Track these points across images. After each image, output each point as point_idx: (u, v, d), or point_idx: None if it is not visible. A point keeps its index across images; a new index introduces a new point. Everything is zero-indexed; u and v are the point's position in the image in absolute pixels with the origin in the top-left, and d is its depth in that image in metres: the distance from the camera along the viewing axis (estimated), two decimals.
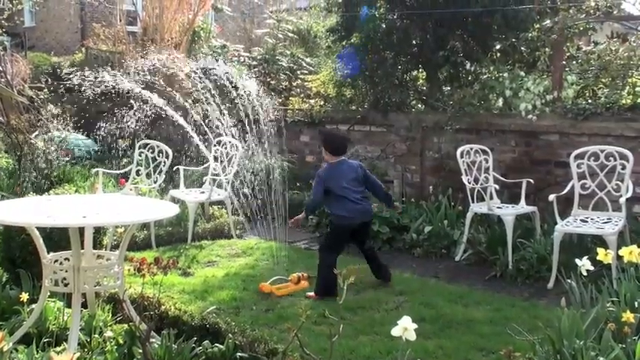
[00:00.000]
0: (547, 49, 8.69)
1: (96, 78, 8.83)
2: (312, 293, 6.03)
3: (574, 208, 6.88)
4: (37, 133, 8.88)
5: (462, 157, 7.60)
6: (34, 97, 9.31)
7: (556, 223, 6.50)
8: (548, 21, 8.55)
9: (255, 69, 12.43)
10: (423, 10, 8.98)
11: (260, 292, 6.08)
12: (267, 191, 9.56)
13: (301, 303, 5.73)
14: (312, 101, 10.75)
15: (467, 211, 7.42)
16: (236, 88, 8.55)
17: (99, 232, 5.74)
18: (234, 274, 6.72)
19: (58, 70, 10.72)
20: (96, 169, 8.56)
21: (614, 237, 6.04)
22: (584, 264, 4.07)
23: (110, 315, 4.78)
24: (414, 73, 10.06)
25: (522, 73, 8.45)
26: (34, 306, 4.56)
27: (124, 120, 9.17)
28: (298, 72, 11.99)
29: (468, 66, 9.06)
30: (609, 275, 5.04)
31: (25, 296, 4.50)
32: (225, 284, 6.37)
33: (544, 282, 6.40)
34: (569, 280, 4.49)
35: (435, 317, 5.48)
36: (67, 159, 9.59)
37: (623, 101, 7.84)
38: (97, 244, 5.56)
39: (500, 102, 8.41)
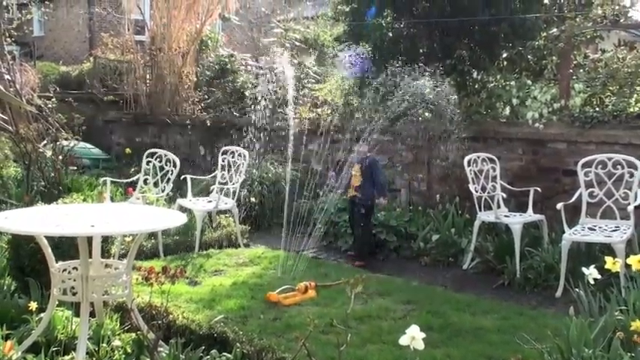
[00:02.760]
0: (554, 57, 8.68)
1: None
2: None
3: (582, 216, 6.87)
4: (45, 142, 8.91)
5: (469, 165, 7.60)
6: (42, 106, 9.34)
7: (564, 232, 6.49)
8: (555, 29, 8.56)
9: (263, 78, 12.46)
10: (430, 19, 8.99)
11: (267, 301, 6.08)
12: (274, 200, 9.61)
13: (309, 312, 5.74)
14: (319, 110, 10.76)
15: (474, 220, 7.42)
16: None
17: (107, 241, 5.76)
18: (242, 283, 6.72)
19: None
20: (104, 178, 8.58)
21: (623, 245, 6.03)
22: (592, 272, 4.06)
23: (118, 324, 4.79)
24: (421, 81, 10.06)
25: (529, 82, 8.45)
26: (42, 315, 4.57)
27: None
28: (305, 81, 12.02)
29: (474, 74, 9.06)
30: (617, 284, 5.02)
31: (33, 305, 4.52)
32: (232, 293, 6.38)
33: (552, 290, 6.38)
34: (577, 289, 4.48)
35: (443, 326, 5.47)
36: (75, 168, 9.63)
37: (631, 109, 7.83)
38: (105, 253, 5.58)
39: (508, 110, 8.41)
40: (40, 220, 4.59)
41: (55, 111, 9.26)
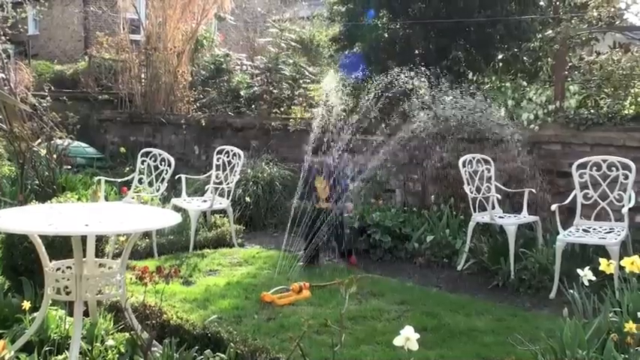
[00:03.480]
0: (549, 59, 8.71)
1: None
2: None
3: (576, 217, 6.88)
4: (39, 140, 8.90)
5: (464, 166, 7.60)
6: (36, 104, 9.32)
7: (558, 233, 6.49)
8: (550, 31, 8.58)
9: (258, 77, 12.46)
10: (426, 19, 8.99)
11: (262, 302, 6.08)
12: (269, 199, 9.60)
13: (303, 312, 5.74)
14: (314, 110, 10.76)
15: (469, 221, 7.42)
16: None
17: (101, 240, 5.74)
18: (236, 283, 6.72)
19: None
20: (98, 177, 8.57)
21: (617, 247, 6.03)
22: (586, 274, 4.07)
23: (112, 323, 4.78)
24: (416, 82, 10.06)
25: (524, 83, 8.47)
26: (35, 314, 4.56)
27: None
28: (301, 81, 12.02)
29: (470, 75, 9.07)
30: (611, 285, 5.02)
31: (27, 304, 4.50)
32: (226, 293, 6.37)
33: (546, 292, 6.39)
34: (571, 291, 4.48)
35: (437, 327, 5.47)
36: (70, 167, 9.60)
37: (626, 111, 7.85)
38: (99, 252, 5.57)
39: (503, 112, 8.41)
40: (33, 219, 4.58)
41: (50, 110, 9.25)
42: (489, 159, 7.76)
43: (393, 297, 6.31)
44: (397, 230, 8.01)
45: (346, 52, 10.01)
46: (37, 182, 8.42)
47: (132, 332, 4.27)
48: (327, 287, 6.47)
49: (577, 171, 6.92)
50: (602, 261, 4.05)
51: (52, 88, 11.03)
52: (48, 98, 9.52)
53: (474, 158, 7.72)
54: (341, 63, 10.19)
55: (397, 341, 3.17)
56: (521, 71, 9.21)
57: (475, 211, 7.41)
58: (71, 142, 9.51)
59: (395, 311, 5.90)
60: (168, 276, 4.29)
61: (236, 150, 8.79)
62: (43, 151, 8.72)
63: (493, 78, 8.83)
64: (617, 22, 8.67)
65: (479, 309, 5.98)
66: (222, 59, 13.36)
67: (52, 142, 8.94)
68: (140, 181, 8.75)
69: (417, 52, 9.48)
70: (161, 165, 8.59)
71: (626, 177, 6.66)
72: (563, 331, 3.84)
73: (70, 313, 4.62)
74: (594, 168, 6.86)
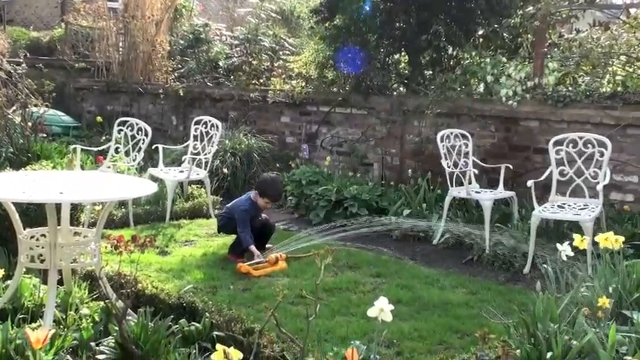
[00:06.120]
0: (529, 35, 8.71)
1: None
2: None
3: (552, 194, 6.93)
4: (14, 108, 8.79)
5: (442, 141, 7.61)
6: (12, 71, 9.19)
7: (533, 209, 6.54)
8: (531, 7, 8.56)
9: (237, 48, 12.35)
10: None
11: (238, 272, 6.09)
12: (246, 171, 9.58)
13: (278, 283, 5.76)
14: (293, 82, 10.71)
15: (445, 195, 7.46)
16: None
17: (76, 208, 5.70)
18: (212, 254, 6.72)
19: None
20: (74, 146, 8.48)
21: (591, 223, 6.09)
22: (565, 249, 4.10)
23: (86, 292, 4.77)
24: (396, 56, 10.02)
25: (504, 59, 8.46)
26: (9, 282, 4.53)
27: None
28: (280, 52, 11.94)
29: (450, 50, 9.05)
30: (585, 261, 5.08)
31: (0, 272, 4.47)
32: (202, 264, 6.37)
33: (520, 267, 6.45)
34: (544, 265, 4.53)
35: (412, 299, 5.52)
36: (45, 135, 9.49)
37: (603, 89, 7.88)
38: (75, 220, 5.53)
39: (482, 87, 8.41)
40: (7, 187, 4.53)
41: (25, 77, 9.14)
42: (467, 134, 7.78)
43: (369, 269, 6.35)
44: (374, 204, 8.04)
45: (326, 25, 9.90)
46: (11, 150, 8.32)
47: (106, 301, 4.26)
48: (303, 259, 6.49)
49: (553, 148, 6.95)
50: (577, 237, 4.09)
51: (28, 54, 10.88)
52: (23, 65, 9.39)
53: (452, 133, 7.73)
54: (322, 35, 10.08)
55: (371, 312, 3.19)
56: (501, 47, 9.20)
57: (452, 186, 7.44)
58: (47, 110, 9.41)
59: (370, 283, 5.94)
60: (144, 245, 4.26)
61: (214, 121, 8.74)
62: (18, 119, 8.62)
63: (473, 53, 8.81)
64: (597, 0, 8.67)
65: (453, 282, 6.03)
66: (201, 29, 13.20)
67: (27, 109, 8.84)
68: (117, 151, 8.69)
69: (397, 25, 9.43)
70: (138, 134, 8.52)
71: (602, 154, 6.70)
72: (536, 304, 3.88)
73: (45, 282, 4.60)
74: (571, 145, 6.89)
